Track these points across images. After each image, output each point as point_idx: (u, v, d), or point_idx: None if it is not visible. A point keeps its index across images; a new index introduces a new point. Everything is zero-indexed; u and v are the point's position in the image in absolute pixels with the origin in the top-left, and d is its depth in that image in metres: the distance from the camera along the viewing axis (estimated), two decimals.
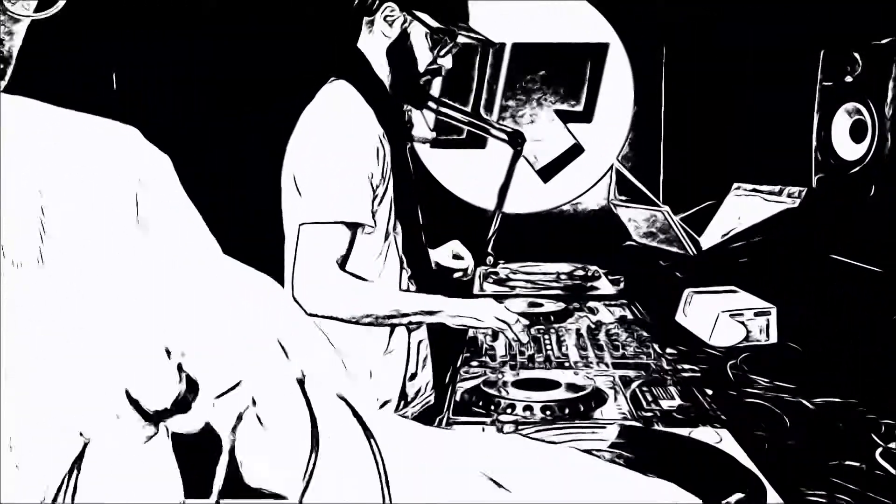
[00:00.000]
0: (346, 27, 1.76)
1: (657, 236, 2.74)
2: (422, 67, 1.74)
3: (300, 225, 1.64)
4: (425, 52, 1.73)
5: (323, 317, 1.66)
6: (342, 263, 1.64)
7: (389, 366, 1.81)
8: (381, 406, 1.81)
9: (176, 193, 0.90)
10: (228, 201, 2.94)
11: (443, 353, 2.04)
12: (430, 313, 1.71)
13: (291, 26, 2.89)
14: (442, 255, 2.05)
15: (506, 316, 1.76)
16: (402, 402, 1.84)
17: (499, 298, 1.88)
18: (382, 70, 1.74)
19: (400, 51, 1.72)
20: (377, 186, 1.68)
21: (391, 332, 1.79)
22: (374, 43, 1.73)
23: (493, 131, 2.29)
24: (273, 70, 2.83)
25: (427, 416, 1.89)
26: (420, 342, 1.90)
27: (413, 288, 1.88)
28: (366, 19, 1.73)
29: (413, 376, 1.87)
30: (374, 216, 1.67)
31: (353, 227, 1.64)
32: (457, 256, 1.97)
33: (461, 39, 1.77)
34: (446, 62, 1.76)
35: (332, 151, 1.64)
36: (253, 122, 2.81)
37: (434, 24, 1.70)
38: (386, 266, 1.77)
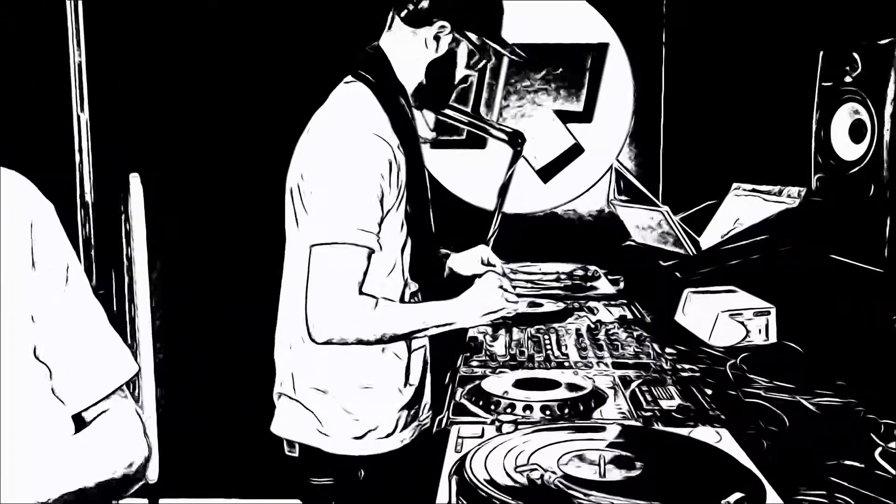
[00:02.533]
0: (369, 26, 1.76)
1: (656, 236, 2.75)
2: (457, 79, 1.75)
3: (312, 247, 1.57)
4: (462, 67, 1.74)
5: (336, 344, 1.58)
6: (360, 285, 1.57)
7: (382, 392, 1.72)
8: (366, 434, 1.70)
9: (61, 239, 1.07)
10: (233, 204, 2.94)
11: (441, 362, 1.95)
12: (445, 326, 1.66)
13: (304, 20, 2.90)
14: (470, 261, 1.96)
15: (513, 296, 1.70)
16: (397, 427, 1.74)
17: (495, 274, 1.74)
18: (406, 75, 1.71)
19: (444, 65, 1.71)
20: (388, 203, 1.62)
21: (385, 351, 1.70)
22: (408, 51, 1.70)
23: (493, 131, 2.29)
24: (287, 65, 2.83)
25: (422, 438, 1.80)
26: (422, 361, 1.80)
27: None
28: (408, 28, 1.69)
29: (411, 401, 1.77)
30: (378, 235, 1.60)
31: (366, 249, 1.57)
32: (488, 263, 1.90)
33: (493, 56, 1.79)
34: (473, 74, 1.78)
35: (344, 168, 1.57)
36: (266, 122, 2.81)
37: (479, 43, 1.72)
38: (391, 281, 1.69)
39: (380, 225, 1.59)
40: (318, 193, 1.58)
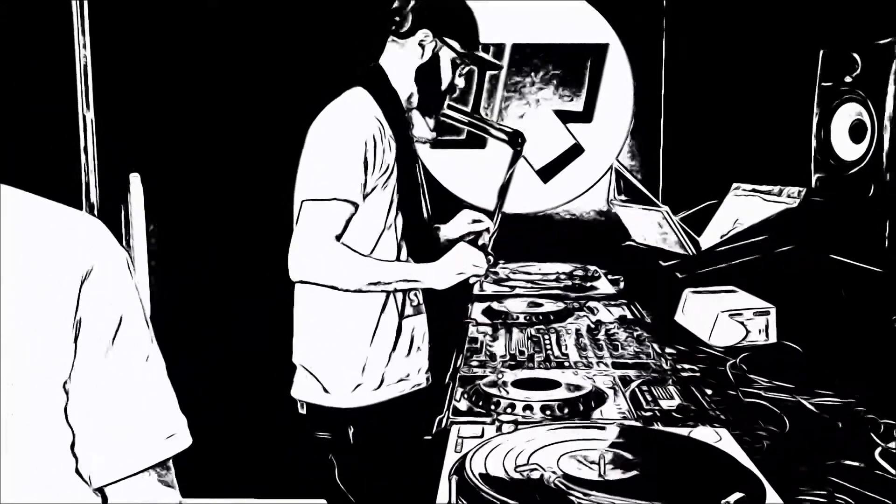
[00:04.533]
0: (370, 45, 1.97)
1: (657, 237, 2.75)
2: (444, 85, 1.95)
3: (302, 202, 1.81)
4: (448, 74, 1.94)
5: (308, 283, 1.81)
6: (338, 237, 1.79)
7: (373, 349, 1.90)
8: (356, 388, 1.88)
9: (119, 294, 0.98)
10: (233, 204, 2.94)
11: (445, 341, 2.09)
12: (410, 281, 1.87)
13: (305, 21, 2.90)
14: (458, 224, 2.14)
15: (480, 261, 1.90)
16: (384, 381, 1.91)
17: (467, 241, 1.99)
18: (400, 83, 1.93)
19: (429, 71, 1.93)
20: (372, 174, 1.83)
21: (379, 316, 1.89)
22: (399, 61, 1.92)
23: (493, 131, 2.29)
24: (288, 65, 2.84)
25: (415, 399, 1.94)
26: (414, 328, 1.96)
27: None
28: (394, 39, 1.92)
29: (401, 361, 1.93)
30: (364, 198, 1.83)
31: (347, 204, 1.79)
32: (476, 221, 2.10)
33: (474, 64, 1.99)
34: (461, 82, 1.98)
35: (332, 139, 1.82)
36: (266, 123, 2.82)
37: (461, 49, 1.92)
38: (379, 253, 1.89)
39: (363, 185, 1.81)
40: (309, 158, 1.84)
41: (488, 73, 3.02)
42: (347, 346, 1.89)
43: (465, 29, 1.95)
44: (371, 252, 1.87)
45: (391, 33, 1.92)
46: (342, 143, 1.81)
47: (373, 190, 1.84)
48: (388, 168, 1.86)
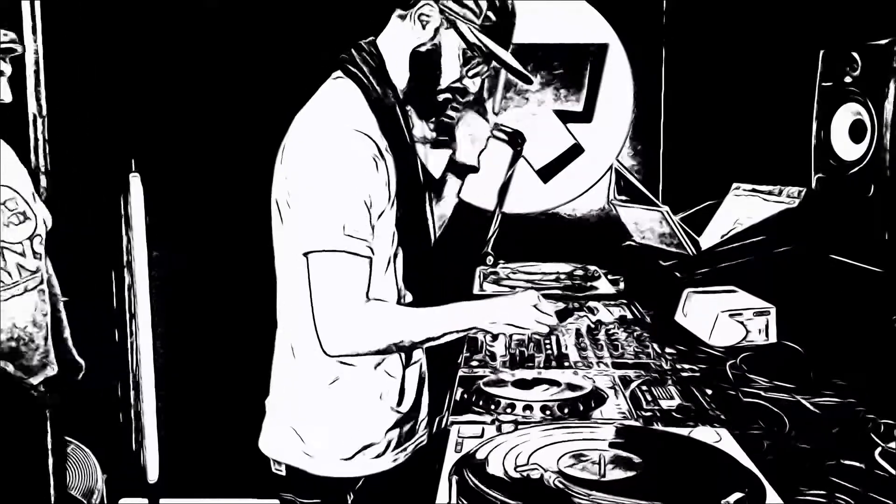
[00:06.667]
0: (367, 17, 1.59)
1: (657, 237, 2.75)
2: (445, 83, 1.53)
3: (306, 255, 1.43)
4: (454, 68, 1.52)
5: (349, 355, 1.48)
6: (366, 292, 1.45)
7: (373, 410, 1.58)
8: (362, 449, 1.57)
9: None
10: (233, 204, 2.94)
11: (440, 376, 1.86)
12: (468, 330, 1.52)
13: (305, 19, 2.90)
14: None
15: (546, 319, 1.56)
16: (389, 446, 1.61)
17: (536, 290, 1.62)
18: (398, 72, 1.53)
19: (426, 58, 1.51)
20: (378, 206, 1.49)
21: (379, 364, 1.58)
22: (398, 40, 1.52)
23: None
24: (288, 64, 2.82)
25: (418, 458, 1.68)
26: (418, 374, 1.67)
27: None
28: (398, 11, 1.52)
29: (406, 418, 1.63)
30: (370, 240, 1.47)
31: (364, 249, 1.44)
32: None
33: (494, 64, 1.56)
34: (472, 85, 1.56)
35: (328, 169, 1.43)
36: (265, 122, 2.81)
37: (472, 38, 1.49)
38: (382, 289, 1.54)
39: (373, 228, 1.47)
40: (303, 196, 1.45)
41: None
42: (341, 404, 1.55)
43: (489, 17, 1.50)
44: (377, 286, 1.50)
45: (395, 3, 1.51)
46: (340, 178, 1.42)
47: (379, 217, 1.50)
48: (388, 197, 1.50)
